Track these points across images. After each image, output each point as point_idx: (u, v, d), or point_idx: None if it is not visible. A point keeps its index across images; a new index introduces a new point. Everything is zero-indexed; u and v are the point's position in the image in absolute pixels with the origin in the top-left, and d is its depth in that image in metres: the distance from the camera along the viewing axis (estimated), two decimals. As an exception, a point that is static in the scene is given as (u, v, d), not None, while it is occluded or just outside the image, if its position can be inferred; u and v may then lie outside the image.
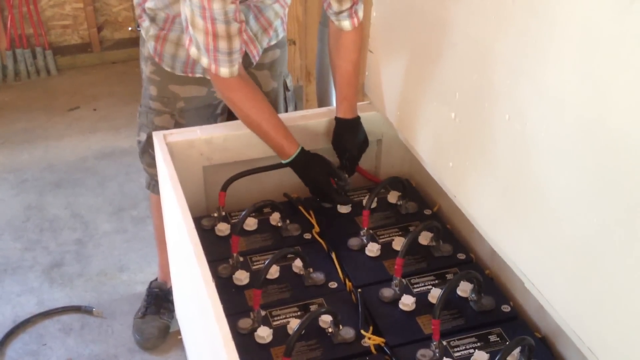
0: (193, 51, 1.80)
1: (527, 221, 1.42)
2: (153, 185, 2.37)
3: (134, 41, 4.48)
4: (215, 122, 2.20)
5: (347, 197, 1.98)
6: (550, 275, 1.38)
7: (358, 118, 2.02)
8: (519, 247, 1.47)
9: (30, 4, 4.13)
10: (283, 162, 1.92)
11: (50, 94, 4.11)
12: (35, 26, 4.19)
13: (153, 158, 2.25)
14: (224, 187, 1.94)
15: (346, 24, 1.96)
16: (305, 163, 1.91)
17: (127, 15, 4.44)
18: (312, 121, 2.07)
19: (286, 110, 2.35)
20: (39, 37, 4.22)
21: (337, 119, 2.02)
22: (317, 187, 1.94)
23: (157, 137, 1.96)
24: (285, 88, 2.34)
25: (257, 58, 2.13)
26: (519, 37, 1.37)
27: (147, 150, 2.28)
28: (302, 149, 1.91)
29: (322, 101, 2.76)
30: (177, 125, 2.16)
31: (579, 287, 1.28)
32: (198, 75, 2.12)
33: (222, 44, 1.74)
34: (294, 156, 1.89)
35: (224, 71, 1.80)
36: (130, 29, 4.47)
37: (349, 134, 2.02)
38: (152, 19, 2.06)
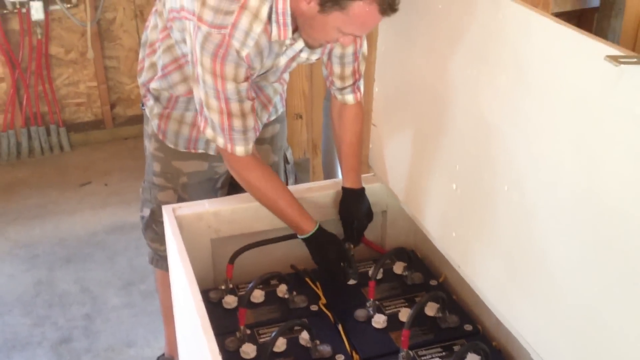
0: (209, 132, 1.86)
1: (529, 290, 1.44)
2: (157, 260, 2.40)
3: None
4: (215, 195, 2.25)
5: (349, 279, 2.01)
6: (554, 346, 1.38)
7: (363, 189, 2.06)
8: (522, 317, 1.49)
9: (45, 82, 4.23)
10: (299, 237, 1.95)
11: (63, 170, 4.18)
12: (50, 104, 4.29)
13: (156, 233, 2.29)
14: (232, 260, 1.97)
15: (349, 98, 2.03)
16: (320, 242, 1.95)
17: (139, 93, 4.53)
18: (318, 193, 2.11)
19: (287, 183, 2.40)
20: (54, 114, 4.31)
21: (344, 189, 2.06)
22: (327, 268, 1.97)
23: (166, 211, 1.99)
24: (285, 161, 2.40)
25: (257, 133, 2.18)
26: (514, 110, 1.42)
27: (150, 225, 2.32)
28: (320, 227, 1.94)
29: (328, 173, 2.81)
30: (180, 200, 2.20)
31: (583, 356, 1.29)
32: (200, 151, 2.17)
33: (237, 123, 1.81)
34: (311, 234, 1.93)
35: (240, 150, 1.86)
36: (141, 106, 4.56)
37: (355, 204, 2.05)
38: (156, 99, 2.12)
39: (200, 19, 1.71)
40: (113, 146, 4.42)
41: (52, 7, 4.04)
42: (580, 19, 3.19)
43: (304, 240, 1.95)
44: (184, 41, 1.88)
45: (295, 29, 1.78)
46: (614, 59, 1.07)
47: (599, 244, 1.22)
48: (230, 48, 1.71)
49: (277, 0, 1.71)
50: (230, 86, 1.76)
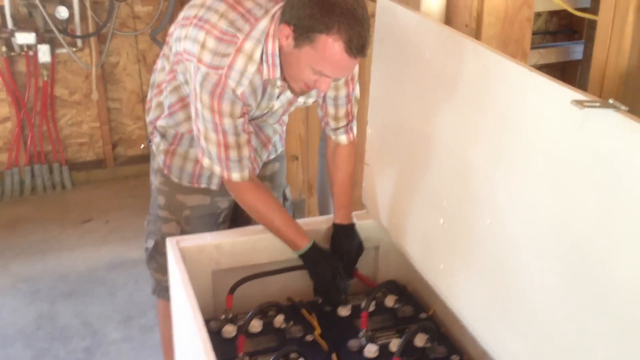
0: (206, 162, 2.00)
1: (510, 319, 1.55)
2: (159, 290, 2.48)
3: (146, 157, 4.64)
4: (217, 229, 2.35)
5: (345, 298, 2.10)
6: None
7: (353, 224, 2.18)
8: (505, 345, 1.59)
9: (50, 122, 4.36)
10: (295, 253, 2.06)
11: (65, 207, 4.28)
12: (54, 143, 4.41)
13: (160, 264, 2.38)
14: (232, 290, 2.05)
15: (343, 138, 2.16)
16: (315, 258, 2.06)
17: (140, 134, 4.68)
18: (312, 227, 2.20)
19: None
20: (57, 153, 4.43)
21: (334, 225, 2.18)
22: (321, 282, 2.08)
23: (170, 243, 2.09)
24: (285, 198, 2.52)
25: (257, 171, 2.30)
26: (495, 150, 1.54)
27: (154, 256, 2.41)
28: (314, 243, 2.06)
29: (324, 212, 2.92)
30: (183, 232, 2.29)
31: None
32: (203, 186, 2.28)
33: (233, 153, 1.95)
34: (306, 249, 2.05)
35: (236, 176, 1.99)
36: (142, 146, 4.69)
37: (345, 239, 2.17)
38: (163, 135, 2.24)
39: (200, 60, 1.86)
40: (114, 185, 4.52)
41: (59, 51, 4.18)
42: (564, 70, 3.34)
43: (300, 256, 2.06)
44: (187, 82, 2.02)
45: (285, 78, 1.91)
46: (579, 103, 1.20)
47: (572, 274, 1.33)
48: (226, 87, 1.86)
49: (267, 43, 1.85)
50: (227, 121, 1.90)
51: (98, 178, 4.56)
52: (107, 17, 4.14)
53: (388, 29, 1.85)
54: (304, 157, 3.37)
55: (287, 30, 1.77)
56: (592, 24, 2.49)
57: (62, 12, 3.95)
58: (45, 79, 4.22)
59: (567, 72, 3.31)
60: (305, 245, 2.06)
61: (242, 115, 1.92)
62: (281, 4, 1.86)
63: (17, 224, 4.10)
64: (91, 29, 4.21)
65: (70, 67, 4.35)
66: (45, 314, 3.32)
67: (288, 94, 1.99)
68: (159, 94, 2.22)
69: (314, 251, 2.07)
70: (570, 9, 1.84)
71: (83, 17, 4.13)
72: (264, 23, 1.85)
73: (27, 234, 3.97)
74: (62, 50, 4.17)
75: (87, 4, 4.10)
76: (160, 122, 2.23)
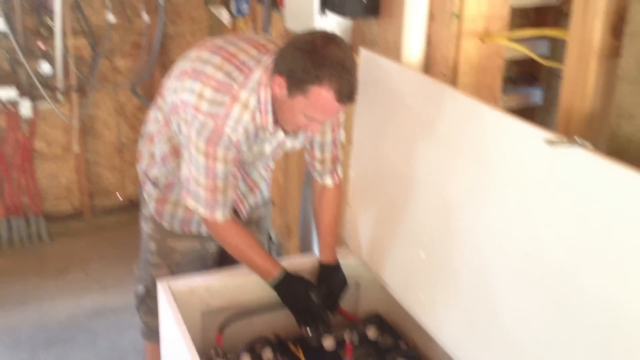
0: (191, 203, 2.11)
1: (488, 338, 1.68)
2: (149, 334, 2.56)
3: (123, 208, 4.78)
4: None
5: (329, 327, 2.20)
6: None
7: (339, 264, 2.30)
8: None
9: (28, 175, 4.41)
10: (268, 283, 2.16)
11: (43, 259, 4.30)
12: (32, 196, 4.45)
13: (150, 308, 2.47)
14: (221, 329, 2.16)
15: (328, 181, 2.29)
16: (288, 283, 2.16)
17: (117, 185, 4.76)
18: (296, 266, 2.29)
19: None
20: (34, 206, 4.47)
21: (321, 265, 2.30)
22: (298, 303, 2.17)
23: (162, 285, 2.18)
24: (270, 240, 2.63)
25: (245, 215, 2.42)
26: (471, 186, 1.70)
27: (144, 301, 2.50)
28: (286, 272, 2.16)
29: (305, 250, 3.03)
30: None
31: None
32: (194, 231, 2.39)
33: (220, 197, 2.07)
34: (278, 278, 2.15)
35: (219, 215, 2.11)
36: (119, 197, 4.77)
37: (331, 277, 2.28)
38: (154, 184, 2.35)
39: (197, 109, 1.99)
40: (91, 235, 4.56)
41: (40, 105, 4.25)
42: (524, 114, 3.51)
43: (274, 287, 2.16)
44: (181, 130, 2.13)
45: (277, 119, 2.04)
46: (550, 141, 1.35)
47: (545, 298, 1.48)
48: (223, 134, 1.98)
49: (260, 91, 1.99)
50: (220, 166, 2.02)
51: (75, 229, 4.60)
52: (90, 72, 4.25)
53: (371, 78, 2.00)
54: (283, 202, 3.50)
55: (280, 81, 1.91)
56: (552, 72, 2.67)
57: (46, 68, 4.06)
58: (26, 133, 4.29)
59: (527, 116, 3.47)
60: (277, 272, 2.16)
61: (234, 161, 2.06)
62: (272, 54, 2.01)
63: (-5, 276, 4.14)
64: (74, 83, 4.30)
65: (49, 121, 4.42)
66: (27, 363, 3.35)
67: (278, 137, 2.13)
68: (151, 144, 2.32)
69: (287, 278, 2.17)
70: (537, 58, 2.01)
71: (65, 72, 4.23)
72: (257, 73, 1.99)
73: (5, 286, 3.99)
74: (44, 105, 4.25)
75: (71, 60, 4.21)
76: (153, 171, 2.34)
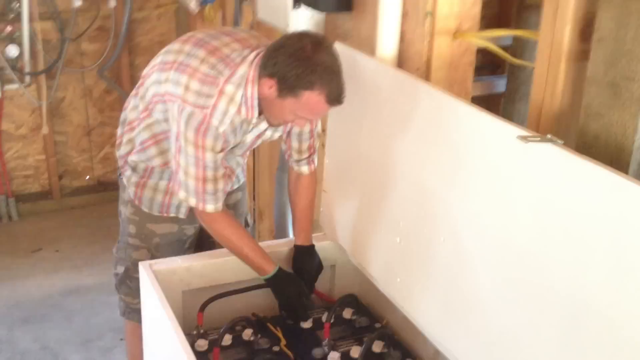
0: (182, 194, 2.18)
1: (461, 317, 1.80)
2: (128, 312, 2.63)
3: (91, 188, 4.84)
4: (184, 254, 2.52)
5: (309, 314, 2.33)
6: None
7: (313, 245, 2.41)
8: (457, 342, 1.84)
9: (-4, 156, 4.45)
10: (262, 278, 2.26)
11: (13, 238, 4.36)
12: (0, 176, 4.49)
13: (130, 288, 2.55)
14: (202, 308, 2.23)
15: (304, 169, 2.38)
16: (281, 282, 2.26)
17: (86, 166, 4.81)
18: (274, 250, 2.40)
19: None
20: (3, 185, 4.51)
21: (296, 247, 2.40)
22: (289, 304, 2.28)
23: (144, 266, 2.24)
24: (246, 224, 2.73)
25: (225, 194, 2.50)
26: (448, 177, 1.81)
27: (124, 281, 2.57)
28: (280, 268, 2.26)
29: (281, 235, 3.13)
30: (152, 258, 2.44)
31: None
32: (172, 215, 2.47)
33: (210, 186, 2.15)
34: (272, 274, 2.24)
35: (210, 207, 2.18)
36: (87, 177, 4.82)
37: (306, 259, 2.39)
38: (134, 169, 2.42)
39: (184, 100, 2.07)
40: (61, 215, 4.62)
41: (7, 87, 4.29)
42: (488, 102, 3.64)
43: (266, 280, 2.26)
44: (165, 120, 2.21)
45: (261, 111, 2.14)
46: (523, 138, 1.47)
47: (516, 280, 1.60)
48: (210, 125, 2.06)
49: (247, 87, 2.07)
50: (209, 155, 2.10)
51: (44, 209, 4.65)
52: (58, 55, 4.29)
53: (345, 71, 2.09)
54: (252, 186, 3.60)
55: (270, 83, 2.00)
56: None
57: (13, 51, 4.10)
58: (-6, 114, 4.33)
59: (491, 104, 3.60)
60: (271, 270, 2.25)
61: (222, 150, 2.13)
62: (257, 51, 2.10)
63: (-34, 255, 4.17)
64: (41, 66, 4.34)
65: (17, 102, 4.46)
66: (3, 339, 3.41)
67: (260, 128, 2.22)
68: (130, 131, 2.38)
69: (280, 275, 2.26)
70: (507, 57, 2.14)
71: (32, 55, 4.26)
72: (243, 69, 2.07)
73: (-23, 265, 4.04)
74: (12, 87, 4.28)
75: (39, 43, 4.23)
76: (132, 157, 2.40)
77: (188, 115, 2.07)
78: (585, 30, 1.61)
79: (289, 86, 1.98)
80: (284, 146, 2.39)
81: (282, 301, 2.29)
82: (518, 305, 1.60)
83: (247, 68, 2.08)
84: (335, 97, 1.99)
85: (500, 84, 3.38)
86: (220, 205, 2.21)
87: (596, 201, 1.37)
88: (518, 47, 2.95)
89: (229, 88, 2.06)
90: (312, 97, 1.97)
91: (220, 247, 2.42)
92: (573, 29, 1.61)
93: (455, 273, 1.82)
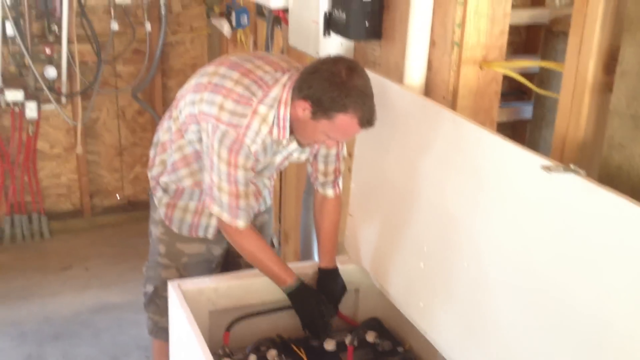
0: (215, 209, 2.24)
1: (484, 342, 1.82)
2: (156, 331, 2.67)
3: (122, 208, 4.93)
4: (211, 274, 2.57)
5: (329, 329, 2.35)
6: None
7: (337, 268, 2.45)
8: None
9: (31, 175, 4.54)
10: (283, 289, 2.30)
11: (44, 256, 4.44)
12: (34, 194, 4.59)
13: (158, 307, 2.59)
14: (228, 328, 2.29)
15: (330, 192, 2.43)
16: (302, 295, 2.30)
17: (116, 185, 4.90)
18: (298, 272, 2.38)
19: None
20: (36, 204, 4.61)
21: (320, 270, 2.44)
22: (309, 316, 2.32)
23: (172, 286, 2.29)
24: (272, 245, 2.78)
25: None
26: (471, 204, 1.84)
27: (153, 300, 2.62)
28: (302, 282, 2.31)
29: (306, 257, 3.17)
30: (181, 277, 2.49)
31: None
32: (200, 235, 2.52)
33: (242, 202, 2.21)
34: (294, 287, 2.29)
35: (242, 223, 2.25)
36: (118, 197, 4.90)
37: (330, 281, 2.43)
38: (165, 190, 2.48)
39: (218, 119, 2.13)
40: (91, 234, 4.70)
41: (45, 107, 4.40)
42: (514, 128, 3.65)
43: (288, 294, 2.30)
44: (199, 140, 2.27)
45: (291, 131, 2.19)
46: (546, 168, 1.50)
47: (537, 307, 1.62)
48: (243, 144, 2.13)
49: (280, 108, 2.13)
50: (241, 173, 2.17)
51: (75, 227, 4.74)
52: (94, 77, 4.39)
53: (374, 98, 2.13)
54: (279, 208, 3.65)
55: (304, 105, 2.06)
56: (541, 88, 2.81)
57: (51, 72, 4.22)
58: (30, 133, 4.42)
59: (517, 130, 3.61)
60: (293, 281, 2.30)
61: (252, 168, 2.20)
62: (289, 74, 2.16)
63: (-1, 271, 4.26)
64: (77, 87, 4.44)
65: (52, 122, 4.57)
66: (33, 356, 3.47)
67: (289, 149, 2.27)
68: (163, 152, 2.44)
69: (301, 288, 2.31)
70: (533, 87, 2.17)
71: (69, 76, 4.37)
72: (276, 91, 2.14)
73: (9, 281, 4.11)
74: (48, 107, 4.39)
75: (76, 65, 4.34)
76: (163, 178, 2.46)
77: (222, 133, 2.13)
78: (609, 63, 1.64)
79: (323, 109, 2.03)
80: (310, 168, 2.44)
81: (302, 315, 2.33)
82: (538, 332, 1.63)
83: (280, 90, 2.14)
84: (367, 120, 2.04)
85: (527, 111, 3.38)
86: (249, 221, 2.27)
87: (617, 231, 1.40)
88: (545, 74, 2.97)
89: (262, 109, 2.12)
90: (346, 120, 2.03)
91: (246, 268, 2.48)
92: (597, 62, 1.64)
93: (478, 299, 1.84)
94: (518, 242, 1.68)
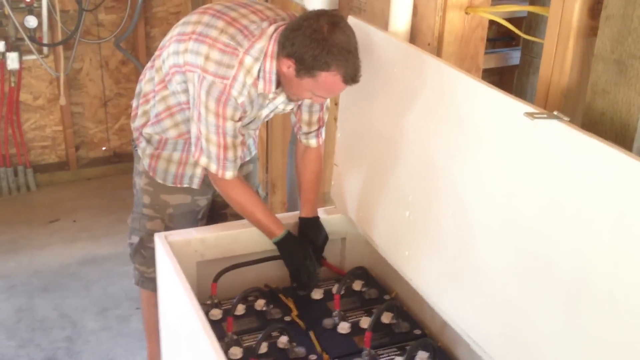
0: (203, 160, 2.23)
1: (468, 290, 1.83)
2: (142, 281, 2.68)
3: (107, 160, 4.90)
4: (197, 225, 2.57)
5: (317, 281, 2.37)
6: (488, 335, 1.77)
7: (318, 217, 2.44)
8: (463, 314, 1.87)
9: (15, 127, 4.50)
10: (272, 241, 2.31)
11: (31, 208, 4.42)
12: (19, 146, 4.54)
13: (144, 257, 2.59)
14: (216, 279, 2.28)
15: (313, 142, 2.42)
16: (288, 244, 2.31)
17: (102, 137, 4.86)
18: (285, 222, 2.39)
19: None
20: (21, 156, 4.57)
21: (301, 219, 2.44)
22: (294, 265, 2.33)
23: (159, 238, 2.28)
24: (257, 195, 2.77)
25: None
26: (456, 152, 1.83)
27: (139, 250, 2.62)
28: (289, 232, 2.31)
29: (293, 207, 3.17)
30: (166, 228, 2.50)
31: (511, 338, 1.70)
32: (185, 185, 2.51)
33: (230, 153, 2.20)
34: (281, 236, 2.30)
35: (229, 174, 2.24)
36: (103, 148, 4.87)
37: (311, 230, 2.43)
38: (148, 141, 2.46)
39: (205, 70, 2.11)
40: (78, 186, 4.68)
41: (26, 58, 4.34)
42: (502, 74, 3.64)
43: (276, 243, 2.31)
44: (184, 91, 2.25)
45: (277, 85, 2.17)
46: (530, 115, 1.49)
47: (520, 253, 1.63)
48: (230, 95, 2.11)
49: (265, 61, 2.11)
50: (229, 124, 2.15)
51: (61, 180, 4.71)
52: (75, 26, 4.32)
53: (359, 46, 2.10)
54: (265, 158, 3.63)
55: (288, 63, 2.04)
56: (529, 34, 2.78)
57: (31, 21, 4.14)
58: (12, 85, 4.36)
59: (505, 76, 3.60)
60: (280, 233, 2.30)
61: (240, 119, 2.18)
62: (276, 25, 2.13)
63: (-15, 225, 4.24)
64: (59, 37, 4.37)
65: (34, 73, 4.50)
66: (24, 308, 3.49)
67: (275, 103, 2.25)
68: (145, 103, 2.42)
69: (288, 238, 2.32)
70: (518, 32, 2.15)
71: (50, 26, 4.29)
72: (262, 42, 2.11)
73: (-4, 234, 4.12)
74: (30, 58, 4.32)
75: (57, 13, 4.26)
76: (147, 129, 2.44)
77: (209, 85, 2.11)
78: (595, 7, 1.61)
79: (306, 67, 2.01)
80: (293, 118, 2.42)
81: (289, 264, 2.34)
82: (523, 278, 1.63)
83: (266, 42, 2.11)
84: (351, 77, 2.03)
85: (514, 57, 3.38)
86: (237, 172, 2.27)
87: (600, 177, 1.39)
88: (533, 20, 2.95)
89: (248, 60, 2.10)
90: (329, 78, 2.01)
91: (232, 219, 2.48)
92: (582, 5, 1.62)
93: (463, 246, 1.85)
94: (502, 190, 1.68)
